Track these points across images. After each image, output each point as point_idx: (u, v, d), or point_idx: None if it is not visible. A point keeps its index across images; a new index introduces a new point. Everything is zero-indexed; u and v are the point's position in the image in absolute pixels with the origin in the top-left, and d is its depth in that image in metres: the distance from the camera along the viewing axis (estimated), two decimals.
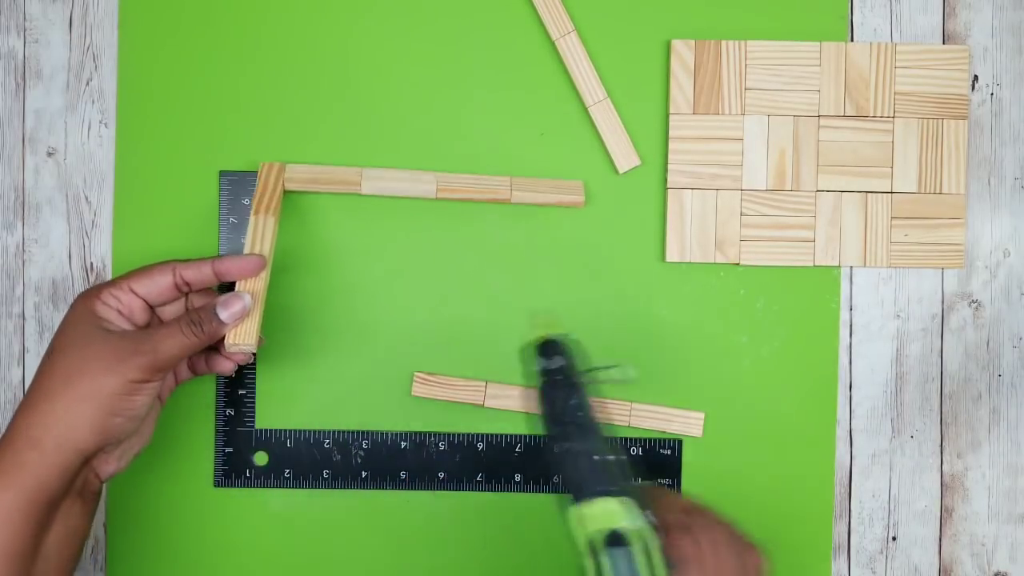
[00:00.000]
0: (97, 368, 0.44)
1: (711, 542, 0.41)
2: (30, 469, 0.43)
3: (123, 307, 0.47)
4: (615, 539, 0.39)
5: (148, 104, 0.56)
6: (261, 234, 0.51)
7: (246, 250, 0.50)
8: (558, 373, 0.43)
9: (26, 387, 0.56)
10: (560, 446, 0.41)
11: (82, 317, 0.46)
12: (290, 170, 0.54)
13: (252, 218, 0.51)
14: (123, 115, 0.56)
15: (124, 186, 0.56)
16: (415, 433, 0.56)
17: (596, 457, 0.40)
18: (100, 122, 0.56)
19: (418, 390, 0.55)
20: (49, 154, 0.56)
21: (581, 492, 0.40)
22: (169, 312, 0.50)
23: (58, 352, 0.45)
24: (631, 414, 0.55)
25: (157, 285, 0.48)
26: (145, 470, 0.55)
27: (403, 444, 0.55)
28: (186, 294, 0.50)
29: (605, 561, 0.38)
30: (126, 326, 0.47)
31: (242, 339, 0.48)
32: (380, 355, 0.56)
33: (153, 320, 0.49)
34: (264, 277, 0.50)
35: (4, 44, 0.56)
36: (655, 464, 0.55)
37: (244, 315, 0.48)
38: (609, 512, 0.39)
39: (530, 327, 0.46)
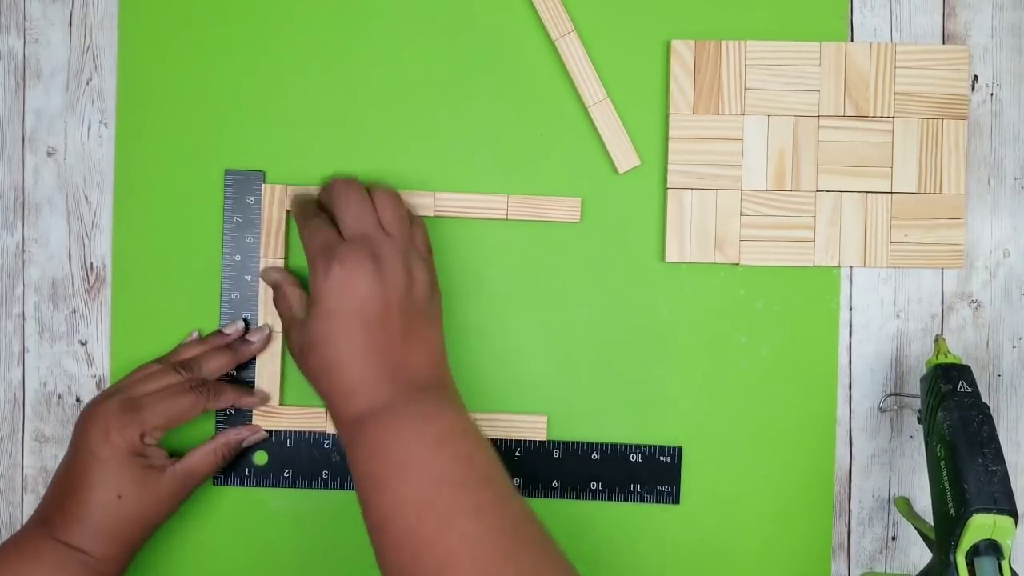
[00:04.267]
0: (160, 504, 0.50)
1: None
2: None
3: (157, 441, 0.51)
4: (992, 549, 0.45)
5: (148, 104, 0.56)
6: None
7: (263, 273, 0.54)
8: (968, 397, 0.48)
9: (26, 388, 0.56)
10: (975, 462, 0.46)
11: (129, 461, 0.49)
12: (292, 193, 0.55)
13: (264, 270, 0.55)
14: (123, 115, 0.56)
15: (124, 186, 0.56)
16: None
17: (1007, 478, 0.46)
18: (100, 122, 0.56)
19: None
20: (49, 154, 0.56)
21: (988, 504, 0.45)
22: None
23: (121, 490, 0.49)
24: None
25: (187, 418, 0.52)
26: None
27: None
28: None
29: (984, 563, 0.45)
30: (156, 452, 0.51)
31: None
32: None
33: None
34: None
35: (4, 44, 0.56)
36: (655, 471, 0.55)
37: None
38: (1003, 527, 0.45)
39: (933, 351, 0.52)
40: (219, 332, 0.55)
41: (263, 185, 0.55)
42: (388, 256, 0.48)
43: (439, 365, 0.49)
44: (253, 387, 0.55)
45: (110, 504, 0.48)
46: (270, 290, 0.54)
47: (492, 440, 0.55)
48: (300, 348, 0.48)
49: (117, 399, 0.50)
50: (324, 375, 0.47)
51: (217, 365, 0.53)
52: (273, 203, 0.55)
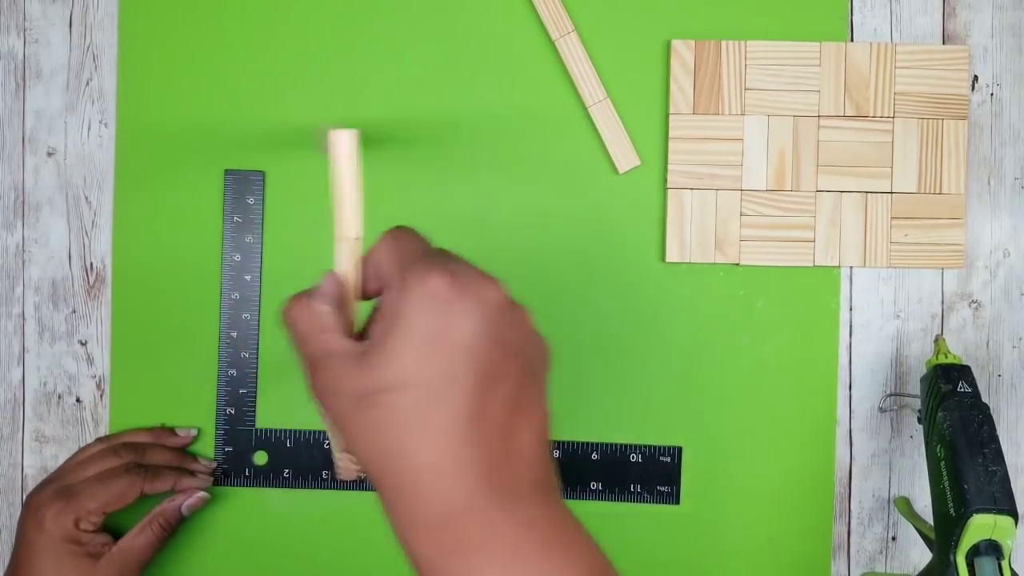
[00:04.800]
0: None
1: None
2: None
3: (95, 526, 0.50)
4: (993, 549, 0.45)
5: (148, 104, 0.56)
6: (350, 258, 0.37)
7: (338, 267, 0.36)
8: (968, 397, 0.48)
9: (26, 388, 0.56)
10: (975, 462, 0.46)
11: (63, 548, 0.48)
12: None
13: (339, 244, 0.37)
14: (123, 115, 0.56)
15: (124, 186, 0.56)
16: None
17: (1007, 478, 0.46)
18: (100, 122, 0.56)
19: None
20: (49, 154, 0.56)
21: (989, 504, 0.45)
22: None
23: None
24: None
25: (124, 502, 0.50)
26: None
27: None
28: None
29: (984, 563, 0.45)
30: (93, 539, 0.49)
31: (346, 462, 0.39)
32: None
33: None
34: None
35: (4, 44, 0.56)
36: (655, 471, 0.55)
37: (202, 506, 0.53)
38: (1003, 527, 0.45)
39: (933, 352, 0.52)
40: (172, 432, 0.55)
41: (329, 131, 0.38)
42: (506, 290, 0.33)
43: (546, 449, 0.33)
44: (193, 470, 0.54)
45: None
46: (271, 291, 0.53)
47: None
48: (362, 392, 0.31)
49: (52, 486, 0.49)
50: (398, 440, 0.31)
51: (161, 460, 0.53)
52: (344, 151, 0.38)
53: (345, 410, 0.31)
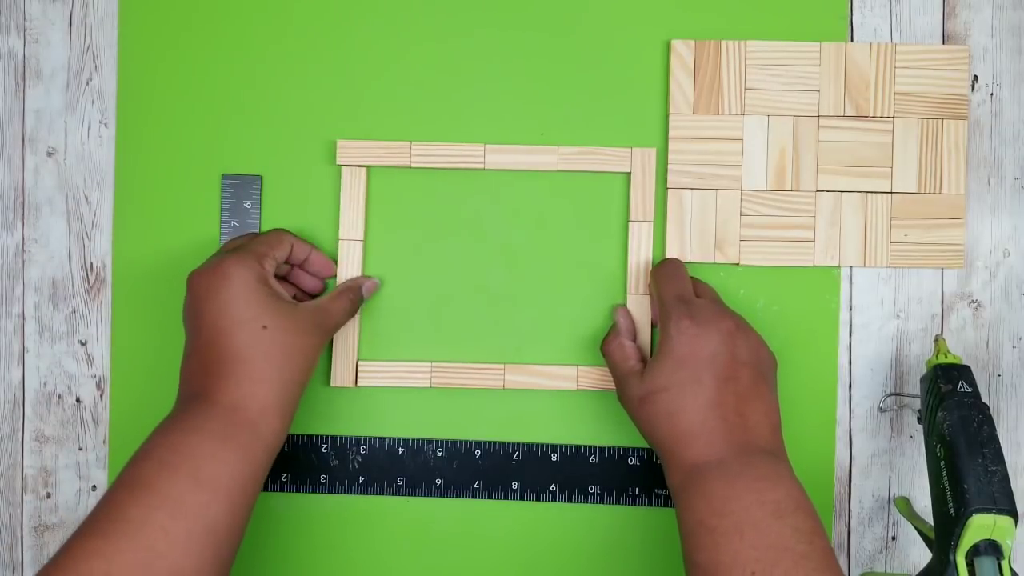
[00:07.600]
0: (304, 336, 0.48)
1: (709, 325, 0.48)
2: (266, 436, 0.47)
3: (275, 269, 0.51)
4: (992, 549, 0.45)
5: (148, 104, 0.56)
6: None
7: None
8: (967, 397, 0.48)
9: (26, 388, 0.56)
10: (975, 462, 0.46)
11: (260, 289, 0.48)
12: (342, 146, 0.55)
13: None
14: (123, 115, 0.56)
15: (124, 186, 0.56)
16: (413, 440, 0.56)
17: (1007, 478, 0.46)
18: (100, 122, 0.56)
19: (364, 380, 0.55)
20: (49, 154, 0.56)
21: (988, 504, 0.45)
22: None
23: (264, 321, 0.47)
24: (504, 375, 0.55)
25: (284, 255, 0.52)
26: None
27: (400, 450, 0.55)
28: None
29: (984, 563, 0.45)
30: (285, 293, 0.50)
31: None
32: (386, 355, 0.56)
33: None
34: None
35: (4, 44, 0.56)
36: (654, 474, 0.55)
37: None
38: (1003, 527, 0.45)
39: (933, 352, 0.52)
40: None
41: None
42: (740, 321, 0.50)
43: (776, 432, 0.49)
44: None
45: (258, 337, 0.47)
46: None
47: (488, 444, 0.55)
48: (641, 395, 0.49)
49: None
50: (666, 419, 0.48)
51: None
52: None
53: (635, 406, 0.49)
